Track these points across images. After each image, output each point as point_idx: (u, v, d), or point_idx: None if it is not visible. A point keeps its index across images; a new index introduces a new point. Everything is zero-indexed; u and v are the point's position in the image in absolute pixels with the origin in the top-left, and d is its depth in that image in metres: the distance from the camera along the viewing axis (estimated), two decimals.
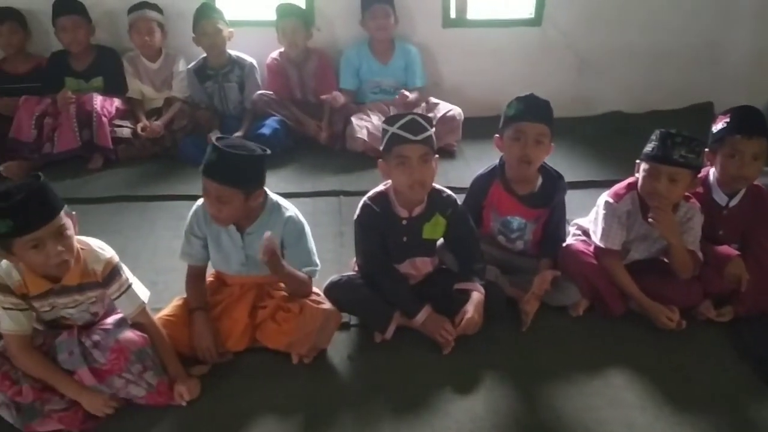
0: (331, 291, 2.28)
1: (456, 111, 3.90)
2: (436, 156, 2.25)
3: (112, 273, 1.98)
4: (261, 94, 3.87)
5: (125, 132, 3.75)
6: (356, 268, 2.45)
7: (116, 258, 2.01)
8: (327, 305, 2.18)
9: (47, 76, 3.86)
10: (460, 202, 2.43)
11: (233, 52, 3.90)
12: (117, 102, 3.82)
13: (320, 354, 2.22)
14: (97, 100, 3.66)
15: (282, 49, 3.93)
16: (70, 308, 2.00)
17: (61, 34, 3.78)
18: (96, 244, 2.00)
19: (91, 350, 1.97)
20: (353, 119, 3.81)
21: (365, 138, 3.72)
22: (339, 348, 2.27)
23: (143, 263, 2.75)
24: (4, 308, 1.91)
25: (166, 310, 2.22)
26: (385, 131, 2.23)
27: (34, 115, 3.61)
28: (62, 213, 1.84)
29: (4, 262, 1.92)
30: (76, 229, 1.93)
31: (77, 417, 1.94)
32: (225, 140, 2.09)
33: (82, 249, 1.94)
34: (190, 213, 2.22)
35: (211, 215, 2.12)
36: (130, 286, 2.02)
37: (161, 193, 3.39)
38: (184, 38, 3.94)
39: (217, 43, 3.78)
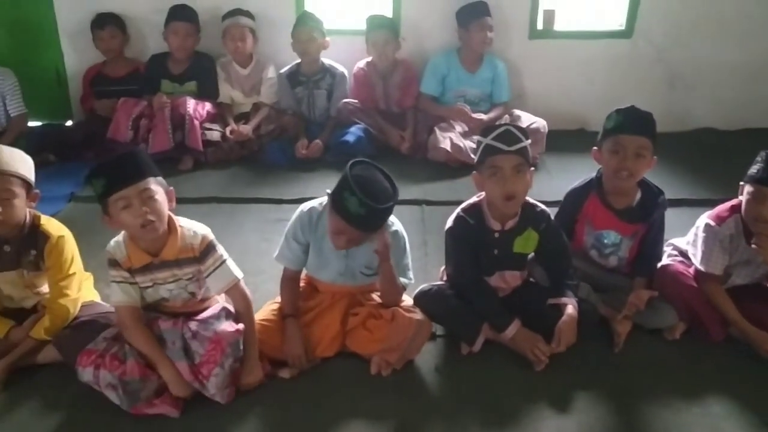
0: (420, 300, 2.28)
1: (540, 123, 3.85)
2: (532, 168, 2.22)
3: (208, 248, 2.08)
4: (346, 102, 3.93)
5: (215, 135, 3.86)
6: (445, 278, 2.44)
7: (212, 235, 2.11)
8: (419, 315, 2.17)
9: (145, 78, 4.03)
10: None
11: (326, 61, 3.97)
12: (208, 106, 3.94)
13: (407, 363, 2.21)
14: (190, 103, 3.79)
15: (369, 59, 3.97)
16: (170, 283, 2.09)
17: (172, 38, 3.92)
18: (191, 222, 2.11)
19: (190, 341, 2.04)
20: (436, 129, 3.81)
21: (448, 148, 3.71)
22: (426, 358, 2.26)
23: None
24: (116, 282, 2.05)
25: (261, 315, 2.26)
26: (479, 143, 2.22)
27: (131, 116, 3.76)
28: (152, 179, 1.97)
29: (114, 240, 2.07)
30: (173, 205, 2.05)
31: (171, 398, 2.00)
32: (364, 184, 1.97)
33: (180, 226, 2.07)
34: (294, 217, 2.24)
35: (334, 245, 2.13)
36: (224, 261, 2.10)
37: (249, 195, 3.48)
38: (274, 45, 4.06)
39: (309, 51, 3.86)
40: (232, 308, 2.18)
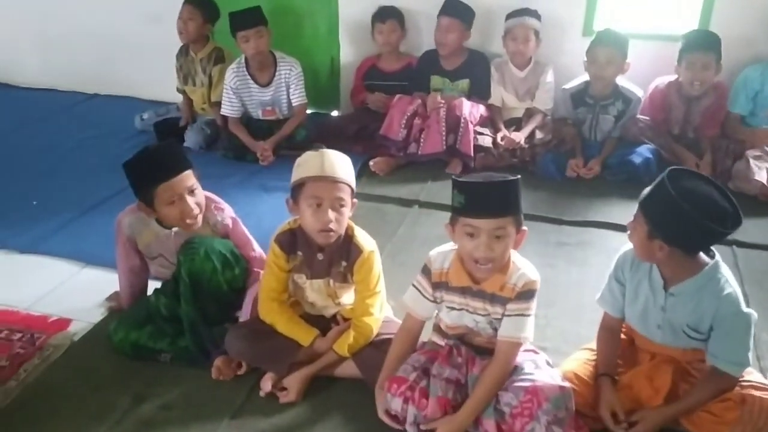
0: None
1: None
2: None
3: (526, 294, 1.86)
4: (635, 118, 3.51)
5: (486, 140, 3.65)
6: None
7: (538, 285, 1.89)
8: None
9: (416, 74, 3.93)
10: None
11: (621, 82, 3.53)
12: (482, 108, 3.74)
13: None
14: (466, 106, 3.61)
15: (672, 78, 3.48)
16: (480, 315, 1.92)
17: (437, 33, 3.79)
18: (525, 262, 1.91)
19: (501, 393, 1.84)
20: (749, 156, 3.26)
21: (765, 181, 3.15)
22: None
23: None
24: (414, 287, 1.97)
25: (574, 364, 2.00)
26: None
27: (405, 114, 3.66)
28: (512, 218, 1.80)
29: (444, 248, 1.95)
30: (520, 246, 1.87)
31: None
32: (698, 200, 1.70)
33: (513, 262, 1.88)
34: (619, 255, 2.00)
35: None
36: (527, 316, 1.87)
37: (524, 211, 3.20)
38: (555, 47, 3.77)
39: (605, 75, 3.45)
40: (543, 357, 1.96)
